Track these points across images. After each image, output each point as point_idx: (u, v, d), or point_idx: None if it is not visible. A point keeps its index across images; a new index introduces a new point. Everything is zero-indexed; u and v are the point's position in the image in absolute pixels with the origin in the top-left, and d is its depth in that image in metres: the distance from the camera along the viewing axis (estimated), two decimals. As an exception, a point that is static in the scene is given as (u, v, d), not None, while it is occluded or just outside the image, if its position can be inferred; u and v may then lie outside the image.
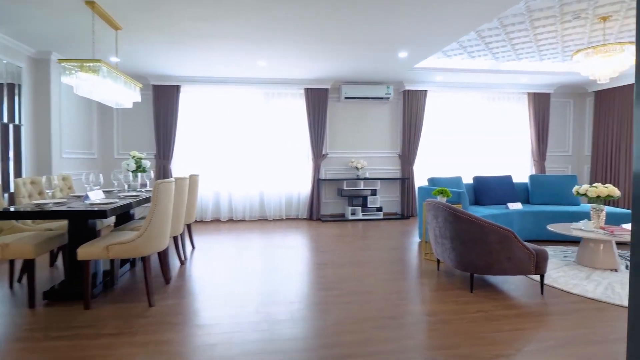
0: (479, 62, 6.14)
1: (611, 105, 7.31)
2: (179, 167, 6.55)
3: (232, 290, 3.10)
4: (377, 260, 3.99)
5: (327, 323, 2.46)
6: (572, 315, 2.60)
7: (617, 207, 7.02)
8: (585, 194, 3.93)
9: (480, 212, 4.79)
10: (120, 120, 6.49)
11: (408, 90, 6.88)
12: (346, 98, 6.65)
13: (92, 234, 2.94)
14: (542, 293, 3.03)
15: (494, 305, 2.76)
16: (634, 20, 4.44)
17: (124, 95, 3.72)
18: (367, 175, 6.93)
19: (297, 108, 6.75)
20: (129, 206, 2.95)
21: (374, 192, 6.72)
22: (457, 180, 5.22)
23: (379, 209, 6.69)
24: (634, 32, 4.88)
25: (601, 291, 3.10)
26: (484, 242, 2.90)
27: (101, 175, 3.26)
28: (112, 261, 3.18)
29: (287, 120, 6.73)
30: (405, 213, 6.97)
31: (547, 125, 7.62)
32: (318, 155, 6.66)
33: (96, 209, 2.59)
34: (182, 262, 3.85)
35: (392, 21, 3.99)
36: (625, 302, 2.84)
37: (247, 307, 2.73)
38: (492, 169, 7.63)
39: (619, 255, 4.19)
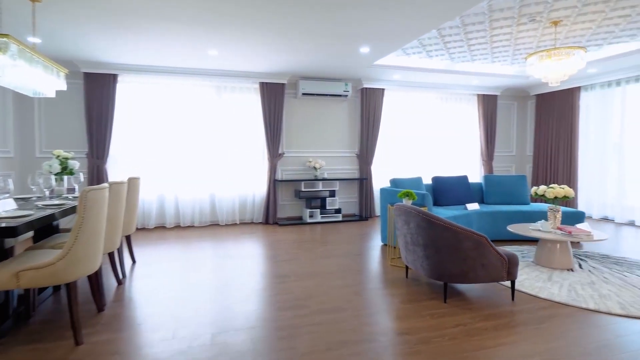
0: (436, 62, 6.14)
1: (551, 108, 7.73)
2: (116, 167, 5.82)
3: (182, 315, 2.66)
4: (342, 269, 3.74)
5: (298, 353, 2.14)
6: (547, 324, 2.52)
7: (562, 205, 7.44)
8: (543, 195, 3.98)
9: (441, 213, 4.73)
10: (43, 113, 5.61)
11: (366, 88, 6.72)
12: (304, 94, 6.34)
13: (-1, 256, 2.35)
14: (512, 299, 2.95)
15: (471, 317, 2.61)
16: (581, 26, 4.60)
17: (43, 82, 3.09)
18: (326, 176, 6.68)
19: (252, 103, 6.31)
20: (48, 219, 2.40)
21: (332, 193, 6.49)
22: (417, 181, 5.14)
23: (338, 211, 6.47)
24: (579, 38, 5.08)
25: (566, 293, 3.10)
26: (458, 249, 2.75)
27: (10, 181, 2.65)
28: (27, 287, 2.59)
29: (240, 117, 6.27)
30: (364, 214, 6.82)
31: (495, 127, 7.89)
32: (274, 154, 6.28)
33: (2, 224, 2.04)
34: (120, 282, 3.30)
35: (356, 13, 3.74)
36: (591, 305, 2.84)
37: (201, 337, 2.32)
38: (446, 169, 7.75)
39: (573, 255, 4.32)
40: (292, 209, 6.60)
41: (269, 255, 4.29)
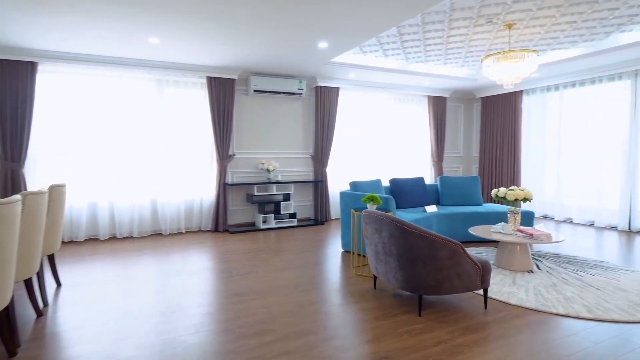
0: (391, 62, 6.05)
1: (495, 110, 8.06)
2: (36, 172, 4.99)
3: (120, 355, 2.19)
4: (305, 282, 3.43)
5: (267, 396, 1.80)
6: (525, 334, 2.43)
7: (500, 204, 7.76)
8: (504, 197, 3.99)
9: (402, 216, 4.61)
10: (-64, 108, 4.64)
11: (321, 86, 6.47)
12: (255, 91, 5.93)
13: None
14: (485, 307, 2.85)
15: (449, 332, 2.44)
16: (531, 30, 4.73)
17: None
18: (280, 178, 6.32)
19: (199, 100, 5.77)
20: None
21: (287, 197, 6.15)
22: (377, 184, 4.98)
23: (293, 216, 6.15)
24: (527, 43, 5.25)
25: (533, 298, 3.06)
26: (434, 258, 2.57)
27: None
28: None
29: (186, 114, 5.69)
30: (319, 218, 6.57)
31: (444, 128, 8.05)
32: (224, 156, 5.79)
33: None
34: (40, 313, 2.70)
35: (318, 3, 3.45)
36: (560, 310, 2.82)
37: (145, 383, 1.89)
38: (399, 171, 7.75)
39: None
40: (244, 214, 6.16)
41: (223, 269, 3.85)
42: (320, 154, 6.57)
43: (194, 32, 4.18)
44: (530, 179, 7.52)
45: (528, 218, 5.10)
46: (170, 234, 5.57)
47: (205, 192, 5.84)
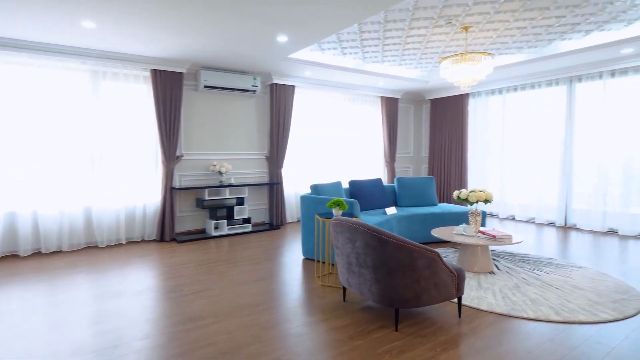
0: (348, 60, 5.90)
1: (444, 112, 8.28)
2: None
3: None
4: (269, 298, 3.12)
5: None
6: (507, 345, 2.35)
7: (450, 203, 8.00)
8: (466, 199, 3.99)
9: (363, 219, 4.46)
10: None
11: (276, 84, 6.15)
12: (206, 87, 5.45)
13: None
14: (459, 315, 2.76)
15: (429, 348, 2.29)
16: (485, 34, 4.81)
17: None
18: (233, 181, 5.90)
19: (141, 95, 5.16)
20: None
21: (241, 201, 5.75)
22: (337, 186, 4.79)
23: (247, 221, 5.76)
24: (479, 47, 5.36)
25: (502, 302, 3.04)
26: (412, 269, 2.41)
27: None
28: None
29: (126, 111, 5.06)
30: (275, 222, 6.25)
31: (396, 129, 8.11)
32: (170, 157, 5.25)
33: None
34: None
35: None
36: (530, 314, 2.81)
37: None
38: (354, 172, 7.67)
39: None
40: (194, 221, 5.66)
41: (172, 287, 3.41)
42: (275, 155, 6.24)
43: (136, 17, 3.66)
44: (477, 179, 7.82)
45: (481, 218, 5.21)
46: (108, 246, 4.92)
47: (149, 198, 5.25)
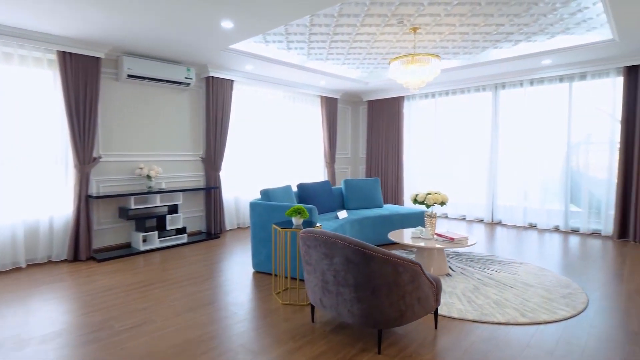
0: (293, 56, 5.57)
1: (380, 114, 8.39)
2: None
3: None
4: (225, 328, 2.66)
5: None
6: (492, 356, 2.24)
7: (393, 203, 8.14)
8: (423, 202, 3.93)
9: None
10: None
11: (213, 77, 5.55)
12: (130, 76, 4.67)
13: None
14: (436, 327, 2.61)
15: (421, 371, 2.09)
16: (430, 37, 4.85)
17: None
18: (164, 187, 5.16)
19: (45, 83, 4.20)
20: None
21: (174, 209, 5.06)
22: (288, 190, 4.44)
23: (182, 231, 5.10)
24: (422, 49, 5.42)
25: (470, 307, 3.00)
26: (397, 285, 2.18)
27: None
28: None
29: (25, 102, 4.07)
30: (213, 230, 5.65)
31: (336, 129, 8.00)
32: (85, 159, 4.38)
33: None
34: None
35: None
36: (500, 318, 2.78)
37: None
38: (296, 174, 7.36)
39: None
40: (117, 234, 4.82)
41: (98, 323, 2.73)
42: (213, 156, 5.64)
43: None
44: (412, 179, 8.05)
45: (421, 217, 5.27)
46: (2, 272, 3.91)
47: (57, 209, 4.31)
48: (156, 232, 4.77)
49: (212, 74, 5.45)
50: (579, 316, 2.82)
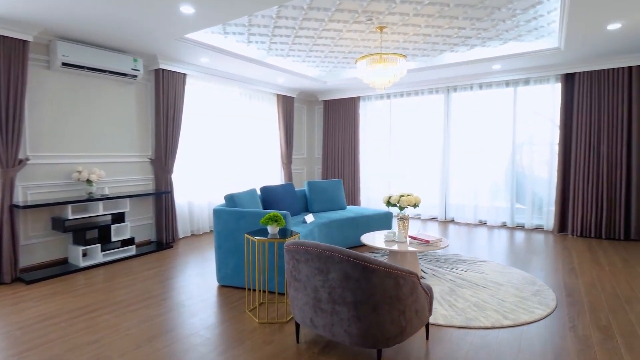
0: (252, 50, 5.23)
1: (337, 114, 8.30)
2: None
3: None
4: (198, 357, 2.32)
5: None
6: (490, 366, 2.18)
7: (350, 204, 8.08)
8: (397, 204, 3.85)
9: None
10: None
11: (163, 69, 5.01)
12: (65, 65, 4.01)
13: None
14: (427, 337, 2.51)
15: (426, 390, 1.95)
16: (394, 37, 4.81)
17: None
18: (107, 192, 4.53)
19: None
20: None
21: (120, 217, 4.48)
22: (253, 195, 4.12)
23: (130, 241, 4.52)
24: (384, 49, 5.39)
25: (453, 312, 2.95)
26: (398, 299, 2.02)
27: None
28: None
29: None
30: (165, 240, 5.12)
31: (292, 129, 7.76)
32: (9, 161, 3.66)
33: None
34: None
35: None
36: (485, 322, 2.76)
37: None
38: (253, 176, 6.99)
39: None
40: (50, 249, 4.13)
41: None
42: (163, 158, 5.10)
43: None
44: (368, 179, 8.07)
45: (387, 219, 5.23)
46: None
47: (-31, 221, 3.58)
48: (99, 245, 4.17)
49: (162, 66, 4.92)
50: (553, 314, 2.89)
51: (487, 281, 3.65)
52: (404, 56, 4.37)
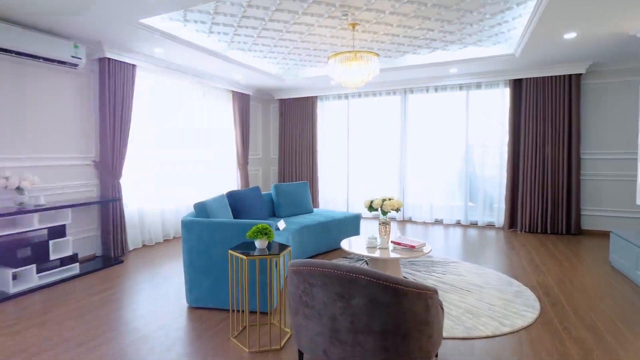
0: (212, 42, 4.76)
1: (293, 114, 8.03)
2: None
3: None
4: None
5: None
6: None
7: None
8: (381, 208, 3.71)
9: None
10: None
11: (110, 59, 4.34)
12: (-14, 49, 3.27)
13: None
14: (436, 355, 2.37)
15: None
16: (365, 36, 4.68)
17: None
18: (43, 202, 3.79)
19: None
20: None
21: (59, 231, 3.78)
22: (223, 201, 3.72)
23: (72, 259, 3.85)
24: (350, 47, 5.23)
25: (450, 320, 2.88)
26: (427, 323, 1.85)
27: None
28: None
29: None
30: (114, 254, 4.47)
31: (249, 128, 7.35)
32: None
33: None
34: None
35: None
36: (486, 331, 2.71)
37: None
38: (208, 179, 6.46)
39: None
40: (-37, 272, 3.35)
41: None
42: (110, 160, 4.44)
43: None
44: (326, 180, 7.93)
45: (354, 221, 5.11)
46: None
47: None
48: (34, 266, 3.47)
49: (109, 55, 4.26)
50: (542, 317, 2.94)
51: (468, 284, 3.66)
52: (377, 55, 4.24)
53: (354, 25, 4.28)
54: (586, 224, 5.86)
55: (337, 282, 1.79)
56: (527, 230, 6.07)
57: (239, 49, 5.08)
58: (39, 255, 3.58)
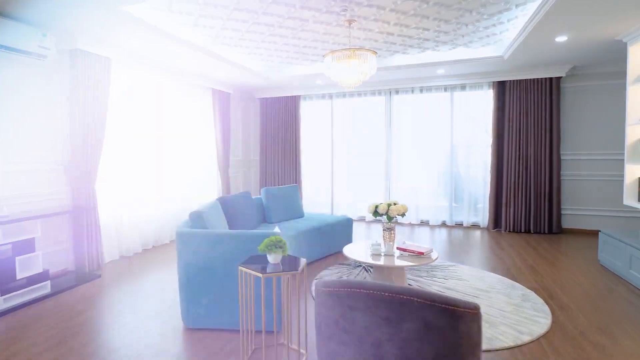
0: (197, 35, 4.41)
1: (275, 113, 7.76)
2: None
3: None
4: None
5: None
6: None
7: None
8: (387, 214, 3.54)
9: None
10: None
11: (82, 50, 3.88)
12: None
13: None
14: (466, 370, 2.23)
15: None
16: (359, 33, 4.51)
17: None
18: (6, 213, 3.29)
19: None
20: None
21: (28, 247, 3.31)
22: (217, 209, 3.42)
23: (43, 276, 3.38)
24: (342, 45, 5.05)
25: (468, 331, 2.74)
26: (478, 346, 1.67)
27: None
28: None
29: None
30: (89, 268, 4.02)
31: (229, 129, 7.00)
32: None
33: None
34: None
35: None
36: (507, 341, 2.60)
37: None
38: (190, 183, 6.06)
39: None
40: None
41: None
42: (83, 164, 3.98)
43: None
44: (310, 182, 7.71)
45: (346, 225, 4.93)
46: None
47: None
48: (-4, 287, 3.01)
49: (81, 47, 3.80)
50: (555, 322, 2.88)
51: (473, 289, 3.58)
52: (375, 53, 4.08)
53: (350, 22, 4.10)
54: (566, 223, 6.01)
55: (383, 305, 1.58)
56: (511, 230, 6.14)
57: (224, 43, 4.76)
58: (4, 275, 3.10)
